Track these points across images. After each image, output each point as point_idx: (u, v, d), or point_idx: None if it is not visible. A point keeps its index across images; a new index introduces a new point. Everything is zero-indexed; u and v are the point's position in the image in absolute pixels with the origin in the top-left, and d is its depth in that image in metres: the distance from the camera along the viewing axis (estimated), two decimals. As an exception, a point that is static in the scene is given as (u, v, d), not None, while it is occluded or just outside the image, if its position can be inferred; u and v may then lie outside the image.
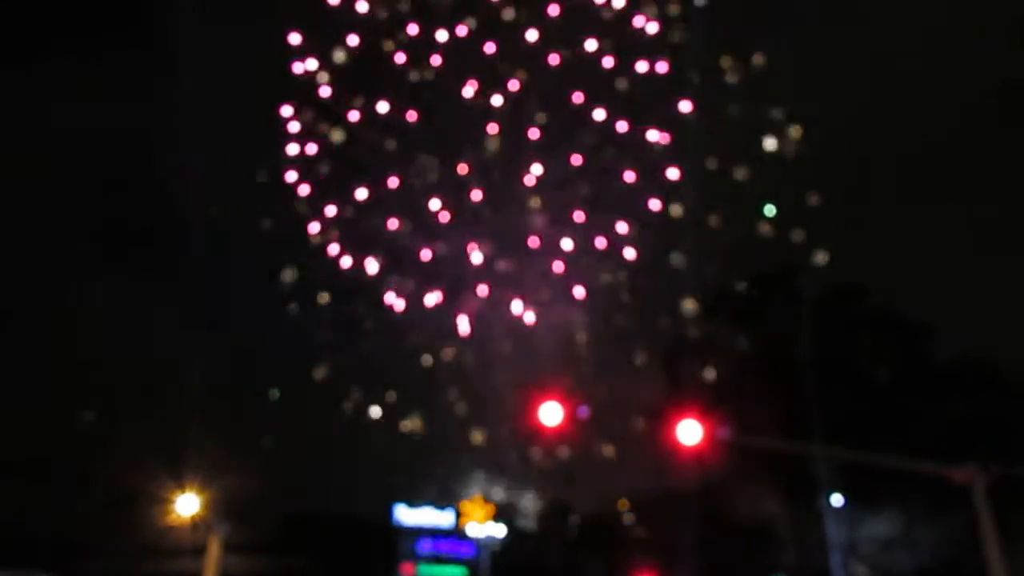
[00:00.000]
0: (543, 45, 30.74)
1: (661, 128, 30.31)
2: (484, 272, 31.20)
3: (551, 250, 30.74)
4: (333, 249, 32.52)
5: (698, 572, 45.50)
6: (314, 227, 32.34)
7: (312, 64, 31.96)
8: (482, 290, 31.39)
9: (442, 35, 31.54)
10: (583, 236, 30.58)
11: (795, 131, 29.12)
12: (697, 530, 42.55)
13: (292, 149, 32.39)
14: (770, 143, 29.21)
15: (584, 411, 17.64)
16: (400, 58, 32.13)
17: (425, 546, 55.59)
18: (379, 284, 31.95)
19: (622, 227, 30.50)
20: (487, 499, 56.69)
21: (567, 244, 30.75)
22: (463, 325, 31.81)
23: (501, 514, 57.46)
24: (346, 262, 32.23)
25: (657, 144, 30.09)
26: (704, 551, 42.97)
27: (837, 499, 36.90)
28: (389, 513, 56.23)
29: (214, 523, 25.36)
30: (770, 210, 25.69)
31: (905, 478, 27.82)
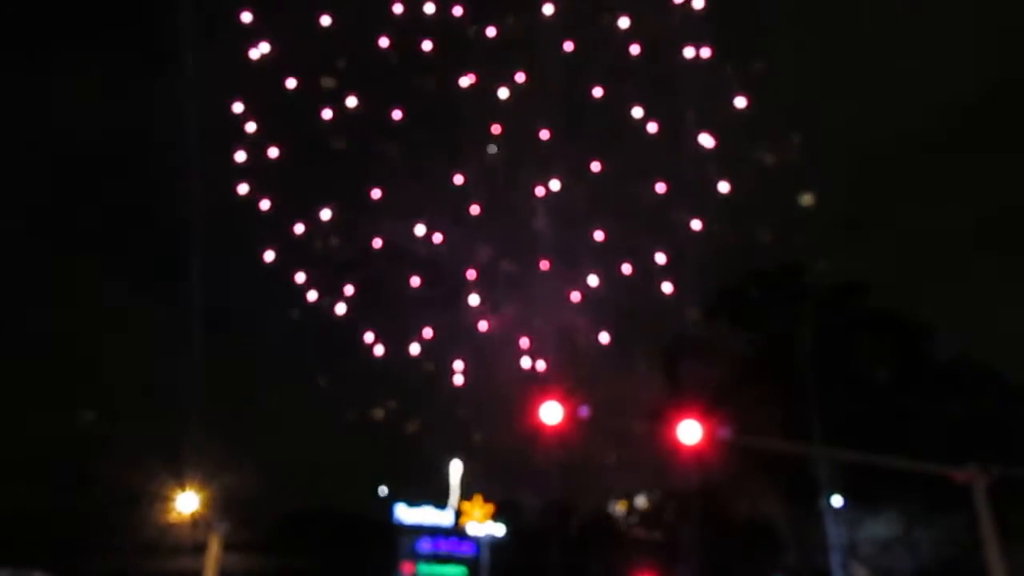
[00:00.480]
0: (557, 26, 25.78)
1: (710, 130, 26.02)
2: (483, 310, 27.93)
3: (565, 278, 27.12)
4: (299, 277, 27.36)
5: (698, 572, 45.47)
6: (269, 255, 26.99)
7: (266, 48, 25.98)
8: (481, 326, 27.93)
9: (430, 7, 26.15)
10: (603, 261, 26.94)
11: (795, 138, 28.48)
12: (697, 530, 42.55)
13: (241, 156, 26.72)
14: (768, 158, 28.19)
15: (584, 411, 17.60)
16: (383, 42, 26.69)
17: (425, 545, 55.55)
18: (354, 323, 27.35)
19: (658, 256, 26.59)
20: (487, 498, 56.69)
21: (592, 280, 26.87)
22: (457, 377, 28.31)
23: (501, 513, 57.45)
24: (312, 296, 27.26)
25: (706, 150, 26.08)
26: (704, 551, 42.96)
27: (837, 500, 36.88)
28: (389, 512, 56.21)
29: (214, 521, 25.35)
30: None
31: (905, 479, 27.79)
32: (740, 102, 26.30)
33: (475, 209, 27.53)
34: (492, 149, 27.23)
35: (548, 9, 26.34)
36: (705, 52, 26.26)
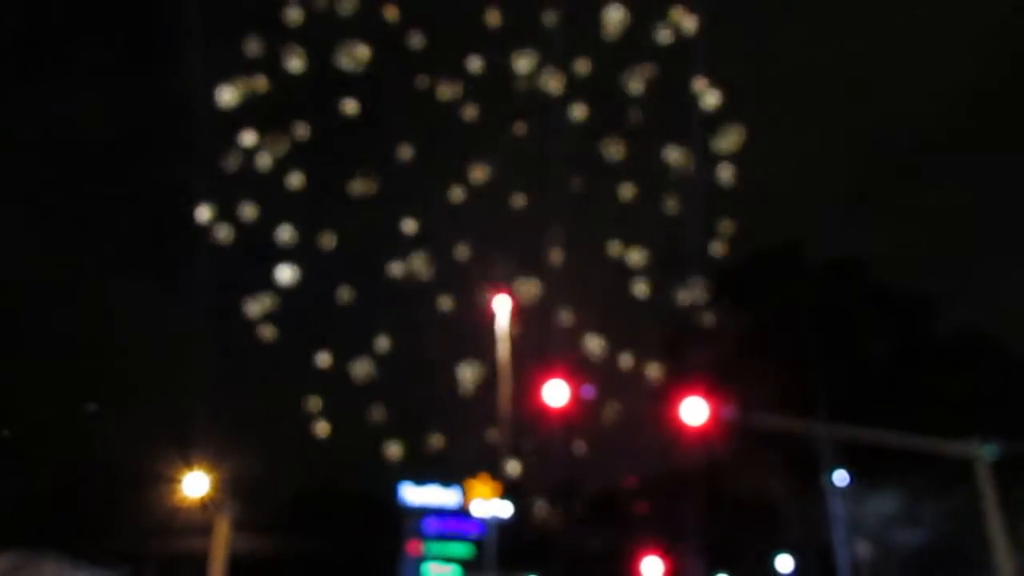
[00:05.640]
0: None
1: None
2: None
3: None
4: None
5: (703, 550, 45.79)
6: None
7: None
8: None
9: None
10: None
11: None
12: (702, 509, 42.73)
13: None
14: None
15: (589, 391, 17.63)
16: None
17: (431, 525, 55.85)
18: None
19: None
20: (493, 477, 56.85)
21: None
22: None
23: (508, 492, 57.66)
24: None
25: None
26: (709, 530, 43.18)
27: (841, 477, 36.95)
28: (395, 492, 56.49)
29: (222, 503, 25.53)
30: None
31: (909, 454, 27.86)
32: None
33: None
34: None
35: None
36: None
